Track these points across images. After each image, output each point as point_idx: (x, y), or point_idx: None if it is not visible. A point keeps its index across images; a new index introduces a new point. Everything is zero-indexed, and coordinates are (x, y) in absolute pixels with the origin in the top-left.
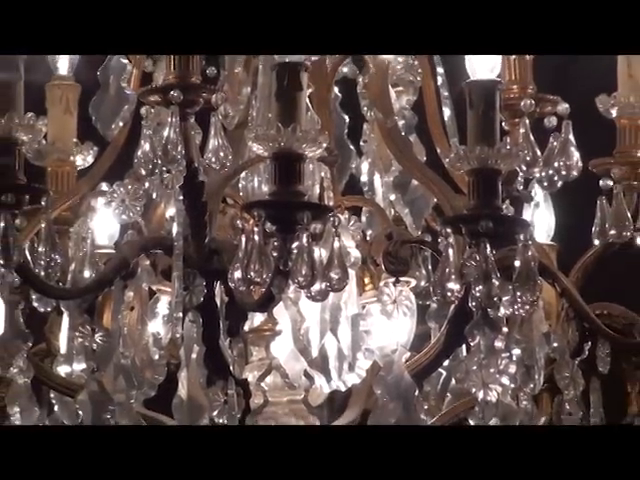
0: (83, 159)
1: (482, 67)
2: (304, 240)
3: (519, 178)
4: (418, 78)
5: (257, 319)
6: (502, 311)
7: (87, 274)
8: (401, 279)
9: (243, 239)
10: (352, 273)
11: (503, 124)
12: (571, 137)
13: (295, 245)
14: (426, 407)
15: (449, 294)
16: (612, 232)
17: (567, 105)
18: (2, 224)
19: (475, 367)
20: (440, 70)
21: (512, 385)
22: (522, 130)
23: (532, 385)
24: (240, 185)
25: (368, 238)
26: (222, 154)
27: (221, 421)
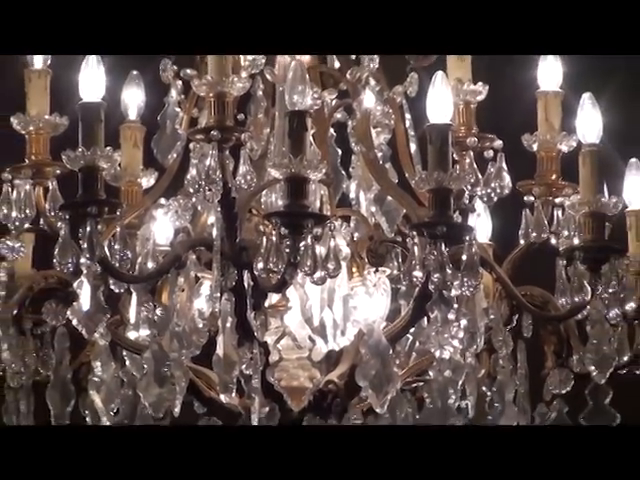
0: (147, 181)
1: (439, 114)
2: (308, 240)
3: (465, 195)
4: (392, 122)
5: (274, 298)
6: (453, 292)
7: (150, 265)
8: (379, 269)
9: (264, 239)
10: (344, 264)
11: (454, 155)
12: (504, 165)
13: (302, 244)
14: (397, 362)
15: (414, 280)
16: (533, 235)
17: (501, 141)
18: (88, 229)
19: (433, 333)
20: (408, 116)
21: (460, 346)
22: (467, 160)
23: (475, 346)
24: (262, 200)
25: (355, 239)
26: (249, 177)
27: (248, 372)
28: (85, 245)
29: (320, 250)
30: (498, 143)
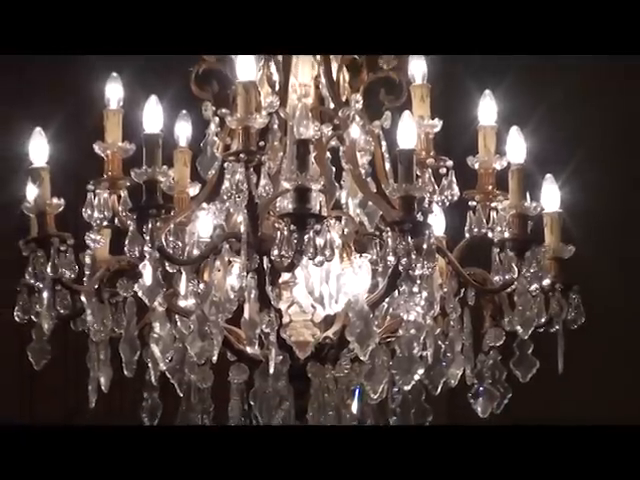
0: (193, 191)
1: (406, 141)
2: (311, 234)
3: (426, 201)
4: (372, 147)
5: (286, 276)
6: (417, 272)
7: (195, 252)
8: (363, 255)
9: (278, 233)
10: (336, 252)
11: (417, 172)
12: (454, 178)
13: (306, 237)
14: (376, 323)
15: (388, 263)
16: (475, 229)
17: (451, 162)
18: (150, 225)
19: (402, 302)
20: (384, 143)
21: (422, 311)
22: (427, 175)
23: (433, 311)
24: (277, 204)
25: (345, 233)
26: (267, 188)
27: (267, 330)
28: (148, 237)
29: (319, 241)
30: (449, 163)
